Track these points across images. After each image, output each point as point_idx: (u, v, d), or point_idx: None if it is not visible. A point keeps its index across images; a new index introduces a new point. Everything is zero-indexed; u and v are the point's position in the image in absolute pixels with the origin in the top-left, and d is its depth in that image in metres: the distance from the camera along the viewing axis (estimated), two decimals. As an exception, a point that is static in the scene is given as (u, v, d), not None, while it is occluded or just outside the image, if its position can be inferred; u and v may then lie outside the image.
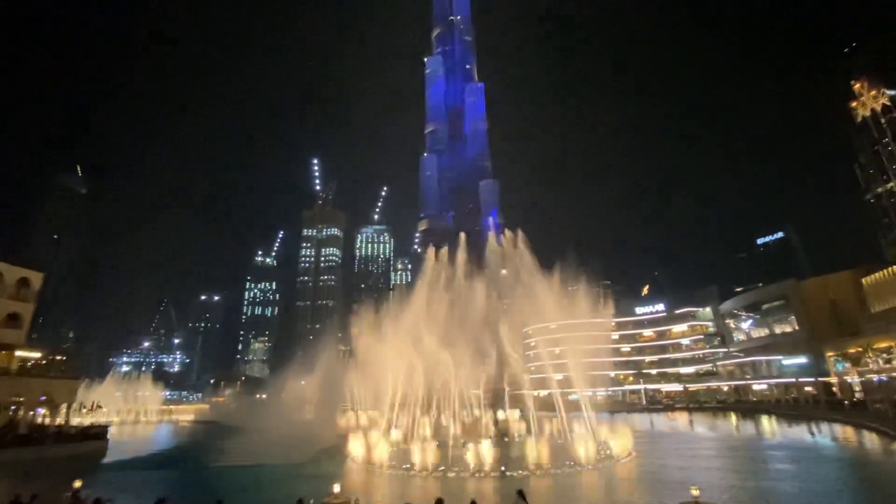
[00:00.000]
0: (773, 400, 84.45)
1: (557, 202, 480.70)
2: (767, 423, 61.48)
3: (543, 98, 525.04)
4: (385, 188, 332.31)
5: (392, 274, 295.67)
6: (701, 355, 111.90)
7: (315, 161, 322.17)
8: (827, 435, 47.20)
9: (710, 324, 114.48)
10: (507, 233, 49.20)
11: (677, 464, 33.28)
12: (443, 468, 30.00)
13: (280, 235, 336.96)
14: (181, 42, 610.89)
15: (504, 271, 52.37)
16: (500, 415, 45.33)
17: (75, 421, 59.75)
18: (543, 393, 56.36)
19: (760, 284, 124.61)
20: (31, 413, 48.60)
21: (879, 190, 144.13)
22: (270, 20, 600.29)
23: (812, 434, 46.77)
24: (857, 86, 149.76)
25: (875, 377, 66.51)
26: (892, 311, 70.62)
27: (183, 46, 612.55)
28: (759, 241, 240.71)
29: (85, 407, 78.64)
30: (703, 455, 37.68)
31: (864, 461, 34.91)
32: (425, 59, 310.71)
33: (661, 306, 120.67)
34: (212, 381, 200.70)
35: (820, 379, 77.17)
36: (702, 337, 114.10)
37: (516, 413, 43.80)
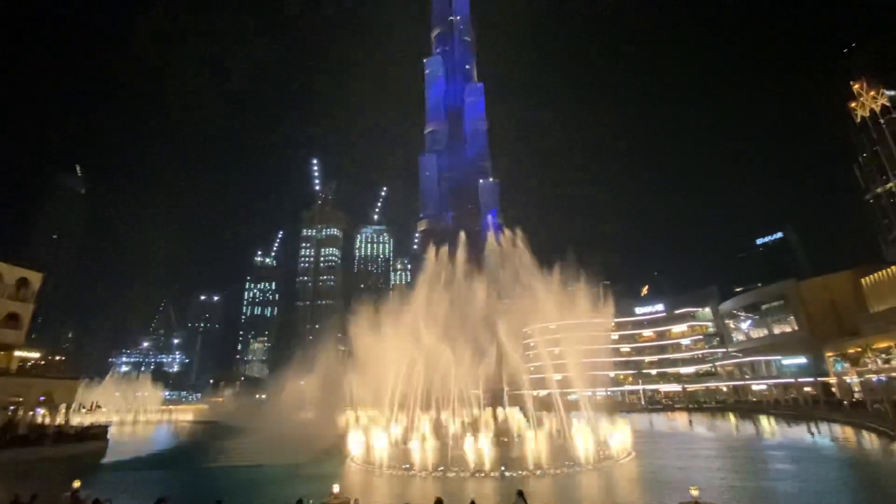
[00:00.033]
0: (772, 400, 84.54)
1: (557, 202, 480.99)
2: (767, 424, 61.54)
3: (543, 98, 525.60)
4: (385, 188, 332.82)
5: (392, 274, 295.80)
6: (700, 355, 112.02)
7: (315, 161, 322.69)
8: (826, 435, 47.22)
9: (709, 324, 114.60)
10: (507, 232, 49.22)
11: (677, 464, 33.31)
12: (442, 468, 30.01)
13: (280, 235, 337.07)
14: (181, 42, 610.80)
15: (504, 271, 52.42)
16: (500, 414, 45.23)
17: (75, 421, 59.61)
18: (543, 393, 56.37)
19: (760, 285, 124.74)
20: (31, 413, 48.52)
21: (879, 190, 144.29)
22: (270, 20, 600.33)
23: (811, 434, 46.80)
24: (857, 86, 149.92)
25: (874, 377, 66.56)
26: (891, 311, 70.67)
27: (183, 46, 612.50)
28: (759, 241, 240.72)
29: (84, 407, 78.63)
30: (702, 455, 37.70)
31: (863, 461, 34.95)
32: (425, 60, 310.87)
33: (660, 306, 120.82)
34: (211, 382, 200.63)
35: (819, 379, 77.26)
36: (701, 337, 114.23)
37: (516, 410, 43.58)
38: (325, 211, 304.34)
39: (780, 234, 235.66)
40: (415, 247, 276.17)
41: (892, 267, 75.58)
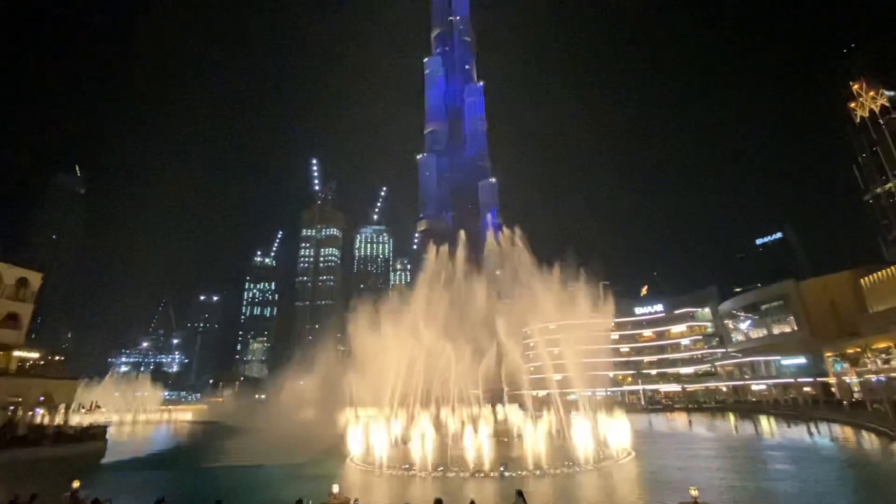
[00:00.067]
0: (771, 400, 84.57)
1: (556, 202, 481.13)
2: (766, 424, 61.55)
3: (543, 98, 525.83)
4: (384, 188, 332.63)
5: (391, 274, 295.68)
6: (700, 356, 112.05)
7: (314, 161, 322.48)
8: (826, 435, 47.24)
9: (709, 324, 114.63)
10: (506, 231, 49.30)
11: (676, 464, 33.31)
12: (442, 468, 30.01)
13: (279, 236, 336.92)
14: (181, 42, 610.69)
15: (503, 271, 52.49)
16: (500, 413, 45.26)
17: (74, 421, 59.59)
18: (542, 393, 56.41)
19: (759, 285, 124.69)
20: (30, 413, 48.48)
21: (878, 190, 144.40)
22: (270, 20, 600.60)
23: (811, 434, 46.83)
24: (856, 86, 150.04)
25: (874, 377, 66.59)
26: (890, 311, 70.72)
27: (183, 46, 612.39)
28: (758, 241, 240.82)
29: (84, 407, 78.52)
30: (702, 455, 37.70)
31: (863, 461, 34.96)
32: (425, 60, 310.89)
33: (659, 307, 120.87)
34: (211, 382, 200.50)
35: (819, 379, 77.29)
36: (701, 337, 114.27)
37: (515, 407, 43.46)
38: (325, 211, 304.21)
39: (779, 235, 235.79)
40: (414, 247, 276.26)
41: (892, 267, 75.65)
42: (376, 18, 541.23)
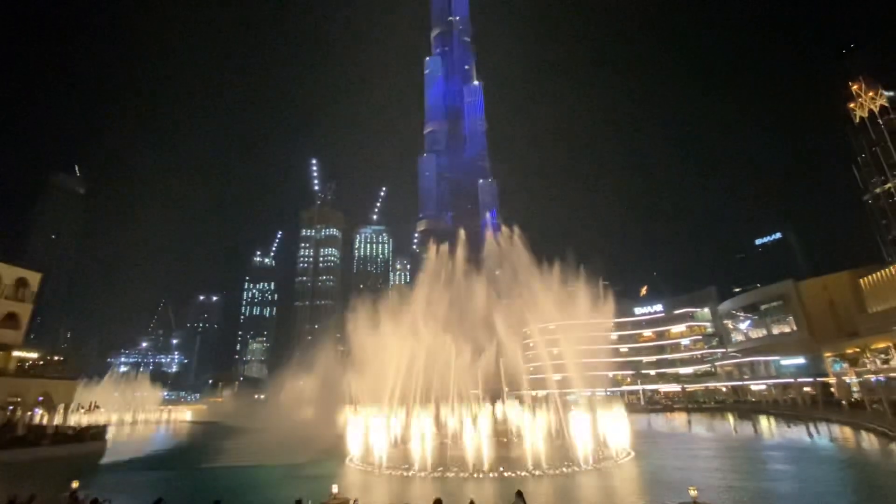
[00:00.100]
0: (771, 400, 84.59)
1: (556, 202, 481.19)
2: (766, 424, 61.58)
3: (542, 98, 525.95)
4: (384, 188, 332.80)
5: (391, 274, 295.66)
6: (699, 356, 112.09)
7: (314, 161, 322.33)
8: (825, 435, 47.25)
9: (708, 324, 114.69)
10: (505, 230, 49.39)
11: (676, 464, 33.31)
12: (441, 468, 30.02)
13: (279, 236, 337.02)
14: (181, 42, 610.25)
15: (502, 270, 52.53)
16: (499, 412, 45.25)
17: (73, 421, 59.62)
18: (542, 393, 56.34)
19: (759, 285, 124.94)
20: (29, 413, 48.51)
21: (877, 191, 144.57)
22: (269, 20, 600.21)
23: (810, 434, 46.83)
24: (855, 87, 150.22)
25: (873, 377, 66.63)
26: (890, 311, 70.78)
27: (182, 46, 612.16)
28: (758, 241, 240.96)
29: (83, 407, 78.46)
30: (701, 455, 37.72)
31: (862, 461, 34.97)
32: (425, 60, 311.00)
33: (659, 307, 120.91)
34: (210, 382, 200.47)
35: (818, 379, 77.30)
36: (700, 337, 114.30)
37: (515, 403, 43.21)
38: (325, 211, 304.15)
39: (778, 235, 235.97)
40: (414, 247, 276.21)
41: (891, 267, 75.73)
42: (376, 18, 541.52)
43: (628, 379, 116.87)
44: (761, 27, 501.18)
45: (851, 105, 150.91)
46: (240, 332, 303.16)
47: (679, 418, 76.40)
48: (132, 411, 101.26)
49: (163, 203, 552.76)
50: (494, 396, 44.72)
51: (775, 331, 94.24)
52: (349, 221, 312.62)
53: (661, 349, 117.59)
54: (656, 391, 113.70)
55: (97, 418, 77.31)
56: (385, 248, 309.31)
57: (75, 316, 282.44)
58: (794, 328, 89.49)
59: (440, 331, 42.75)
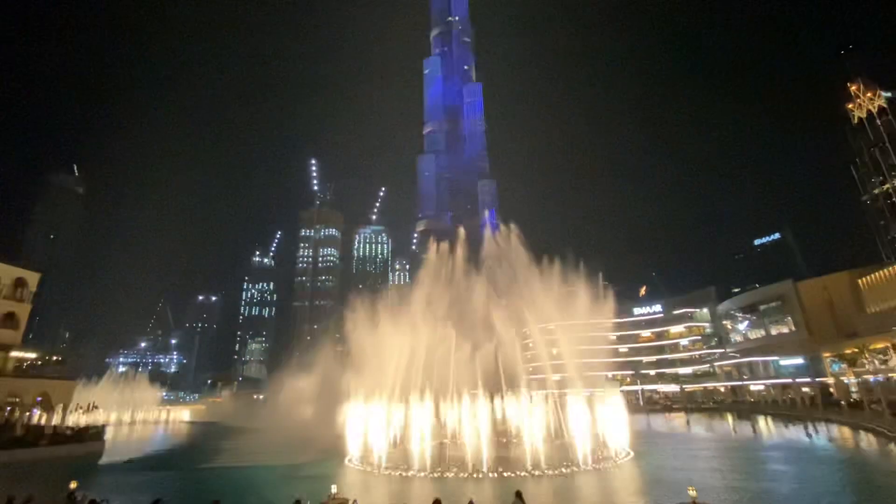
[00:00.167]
0: (770, 400, 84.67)
1: (555, 203, 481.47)
2: (765, 424, 61.66)
3: (542, 99, 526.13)
4: (383, 189, 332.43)
5: (390, 274, 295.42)
6: (698, 356, 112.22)
7: (313, 161, 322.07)
8: (824, 435, 47.32)
9: (707, 324, 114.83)
10: (503, 228, 49.40)
11: (675, 464, 33.33)
12: (441, 468, 30.02)
13: (278, 236, 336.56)
14: (179, 42, 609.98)
15: (501, 270, 52.53)
16: (498, 410, 45.09)
17: (71, 421, 59.52)
18: (541, 393, 56.21)
19: (757, 285, 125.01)
20: (28, 414, 48.42)
21: (876, 191, 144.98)
22: (269, 20, 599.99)
23: (809, 435, 46.88)
24: (854, 88, 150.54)
25: (871, 378, 66.77)
26: (888, 311, 70.96)
27: (181, 46, 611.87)
28: (757, 242, 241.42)
29: (81, 407, 78.33)
30: (700, 456, 37.74)
31: (861, 462, 35.00)
32: (424, 60, 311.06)
33: (658, 307, 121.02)
34: (209, 382, 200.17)
35: (817, 379, 77.41)
36: (699, 338, 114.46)
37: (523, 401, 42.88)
38: (324, 211, 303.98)
39: (777, 235, 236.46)
40: (413, 247, 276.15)
41: (890, 268, 75.90)
42: (376, 18, 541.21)
43: (628, 379, 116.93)
44: (761, 27, 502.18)
45: (850, 106, 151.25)
46: (239, 333, 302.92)
47: (678, 418, 76.43)
48: (131, 411, 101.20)
49: (162, 203, 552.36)
50: (493, 395, 44.65)
51: (774, 331, 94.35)
52: (348, 221, 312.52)
53: (660, 349, 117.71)
54: (655, 391, 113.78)
55: (96, 418, 77.21)
56: (384, 249, 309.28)
57: (74, 316, 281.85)
58: (793, 328, 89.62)
59: (439, 326, 42.80)
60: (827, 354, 77.57)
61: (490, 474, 28.65)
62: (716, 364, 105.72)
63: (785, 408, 74.27)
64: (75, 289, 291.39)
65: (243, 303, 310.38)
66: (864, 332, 72.38)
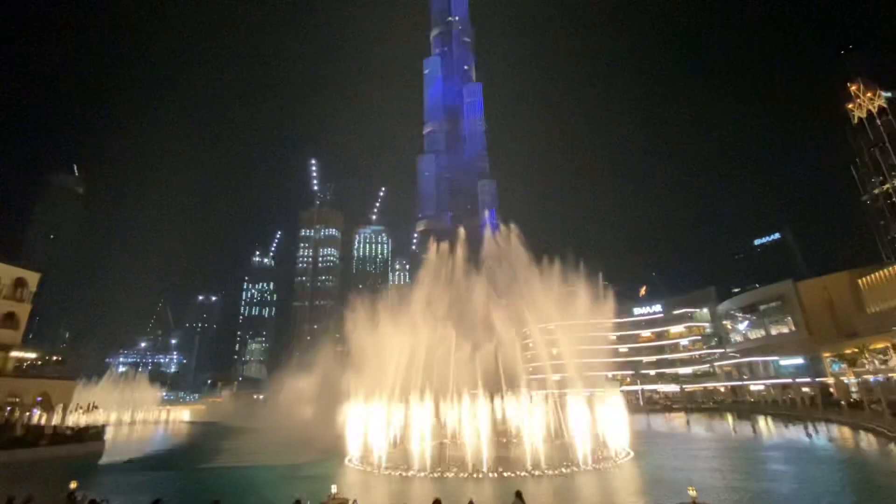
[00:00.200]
0: (770, 400, 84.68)
1: (555, 203, 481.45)
2: (764, 424, 61.67)
3: (542, 99, 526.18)
4: (383, 189, 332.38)
5: (390, 274, 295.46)
6: (698, 356, 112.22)
7: (313, 161, 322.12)
8: (824, 435, 47.33)
9: (707, 325, 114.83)
10: (503, 228, 49.41)
11: (675, 465, 33.33)
12: (441, 468, 30.01)
13: (278, 236, 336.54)
14: (179, 42, 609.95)
15: (501, 271, 52.51)
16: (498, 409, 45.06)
17: (71, 421, 59.53)
18: (541, 393, 56.19)
19: (757, 285, 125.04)
20: (28, 414, 48.42)
21: (876, 191, 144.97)
22: (269, 20, 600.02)
23: (809, 435, 46.89)
24: (854, 88, 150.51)
25: (871, 378, 66.77)
26: (888, 311, 70.96)
27: (181, 46, 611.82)
28: (756, 242, 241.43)
29: (81, 407, 78.34)
30: (700, 456, 37.74)
31: (861, 462, 35.01)
32: (424, 60, 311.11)
33: (658, 307, 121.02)
34: (209, 382, 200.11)
35: (817, 379, 77.42)
36: (699, 338, 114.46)
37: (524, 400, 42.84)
38: (324, 211, 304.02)
39: (777, 235, 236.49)
40: (413, 247, 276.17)
41: (890, 268, 75.90)
42: (376, 18, 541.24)
43: (628, 379, 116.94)
44: (761, 27, 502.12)
45: (850, 106, 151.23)
46: (239, 333, 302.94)
47: (678, 418, 76.44)
48: (131, 411, 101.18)
49: (162, 203, 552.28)
50: (493, 395, 44.65)
51: (774, 331, 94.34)
52: (348, 221, 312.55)
53: (660, 349, 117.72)
54: (655, 391, 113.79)
55: (96, 418, 77.22)
56: (384, 249, 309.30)
57: (74, 316, 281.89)
58: (793, 328, 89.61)
59: (439, 326, 42.81)
60: (827, 354, 77.57)
61: (490, 474, 28.65)
62: (716, 364, 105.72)
63: (785, 408, 74.27)
64: (75, 289, 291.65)
65: (243, 303, 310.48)
66: (864, 332, 72.38)
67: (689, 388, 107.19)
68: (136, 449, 53.38)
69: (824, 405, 65.50)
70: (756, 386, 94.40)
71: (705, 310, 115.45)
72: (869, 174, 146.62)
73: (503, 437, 37.46)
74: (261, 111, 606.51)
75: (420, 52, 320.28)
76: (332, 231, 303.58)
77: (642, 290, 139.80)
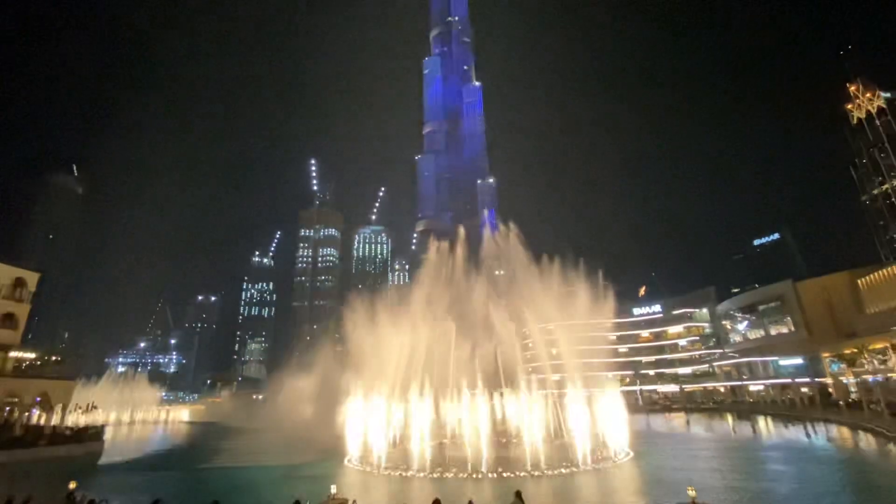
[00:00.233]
0: (769, 401, 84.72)
1: (555, 203, 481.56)
2: (764, 424, 61.73)
3: (541, 99, 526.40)
4: (383, 189, 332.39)
5: (390, 274, 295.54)
6: (698, 356, 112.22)
7: (313, 161, 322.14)
8: (823, 435, 47.37)
9: (706, 325, 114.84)
10: (502, 227, 49.44)
11: (674, 465, 33.35)
12: (440, 469, 30.01)
13: (277, 236, 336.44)
14: (177, 41, 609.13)
15: (500, 269, 52.55)
16: (497, 407, 45.04)
17: (71, 422, 59.48)
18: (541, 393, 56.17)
19: (757, 286, 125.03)
20: (27, 414, 48.37)
21: (875, 192, 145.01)
22: (268, 20, 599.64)
23: (808, 435, 46.93)
24: (853, 88, 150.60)
25: (870, 378, 66.79)
26: (887, 312, 70.98)
27: (179, 46, 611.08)
28: (756, 242, 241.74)
29: (80, 407, 78.26)
30: (700, 456, 37.76)
31: (860, 461, 35.04)
32: (423, 60, 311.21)
33: (657, 307, 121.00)
34: (208, 382, 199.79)
35: (816, 380, 77.47)
36: (698, 338, 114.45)
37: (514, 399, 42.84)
38: (323, 211, 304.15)
39: (776, 235, 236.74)
40: (413, 247, 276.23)
41: (889, 268, 75.94)
42: (375, 19, 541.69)
43: (627, 379, 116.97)
44: (761, 27, 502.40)
45: (849, 106, 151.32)
46: (238, 333, 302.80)
47: (677, 419, 76.48)
48: (130, 411, 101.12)
49: (161, 203, 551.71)
50: (493, 395, 44.65)
51: (773, 331, 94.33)
52: (348, 221, 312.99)
53: (659, 349, 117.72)
54: (655, 391, 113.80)
55: (95, 418, 77.15)
56: (384, 249, 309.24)
57: (73, 316, 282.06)
58: (793, 329, 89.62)
59: (439, 322, 42.87)
60: (826, 355, 77.60)
61: (489, 474, 28.65)
62: (715, 364, 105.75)
63: (784, 408, 74.30)
64: (74, 289, 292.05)
65: (243, 303, 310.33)
66: (864, 332, 72.41)
67: (688, 388, 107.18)
68: (135, 449, 53.40)
69: (823, 405, 65.54)
70: (755, 386, 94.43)
71: (705, 310, 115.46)
72: (868, 175, 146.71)
73: (503, 438, 37.47)
74: (261, 111, 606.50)
75: (420, 52, 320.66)
76: (332, 231, 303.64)
77: (642, 291, 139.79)
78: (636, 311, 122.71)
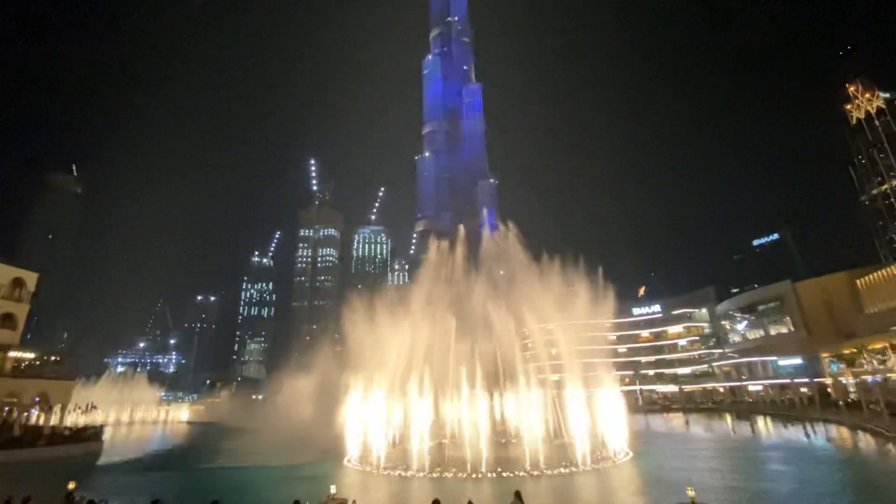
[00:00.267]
0: (768, 401, 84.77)
1: (555, 203, 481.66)
2: (763, 424, 61.75)
3: (541, 99, 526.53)
4: (382, 189, 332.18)
5: (389, 274, 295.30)
6: (697, 356, 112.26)
7: (312, 161, 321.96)
8: (822, 435, 47.39)
9: (706, 325, 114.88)
10: (501, 227, 49.37)
11: (674, 465, 33.35)
12: (440, 469, 29.98)
13: (277, 236, 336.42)
14: (178, 41, 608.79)
15: (500, 269, 52.48)
16: (497, 407, 44.99)
17: (70, 422, 59.43)
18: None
19: (756, 286, 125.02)
20: (26, 414, 48.34)
21: (874, 192, 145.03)
22: (268, 20, 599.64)
23: (808, 435, 46.95)
24: (852, 88, 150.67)
25: (870, 378, 66.85)
26: (886, 312, 71.08)
27: (180, 46, 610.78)
28: (755, 242, 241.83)
29: (80, 407, 78.18)
30: (699, 456, 37.76)
31: (860, 461, 35.06)
32: (423, 60, 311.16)
33: (657, 307, 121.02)
34: (208, 382, 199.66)
35: (815, 380, 77.52)
36: (698, 338, 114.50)
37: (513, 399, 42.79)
38: (323, 211, 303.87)
39: (776, 236, 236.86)
40: (413, 247, 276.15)
41: (888, 268, 76.03)
42: (375, 19, 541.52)
43: (626, 380, 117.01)
44: (761, 27, 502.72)
45: (848, 107, 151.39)
46: (238, 333, 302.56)
47: (677, 419, 76.50)
48: (129, 411, 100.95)
49: (160, 203, 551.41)
50: (493, 395, 44.58)
51: (773, 331, 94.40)
52: (347, 222, 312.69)
53: (659, 349, 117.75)
54: (654, 391, 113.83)
55: (94, 418, 77.07)
56: (383, 249, 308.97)
57: (72, 316, 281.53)
58: (792, 329, 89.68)
59: (439, 319, 42.85)
60: (825, 355, 77.65)
61: (489, 474, 28.63)
62: (714, 364, 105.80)
63: (783, 408, 74.35)
64: (74, 289, 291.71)
65: (242, 303, 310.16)
66: (863, 332, 72.48)
67: (687, 388, 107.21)
68: (134, 449, 53.30)
69: (823, 405, 65.59)
70: (755, 386, 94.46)
71: (704, 310, 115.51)
72: (867, 175, 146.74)
73: (502, 437, 37.44)
74: (261, 111, 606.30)
75: (420, 52, 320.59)
76: (332, 231, 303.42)
77: (641, 291, 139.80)
78: (636, 311, 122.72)
